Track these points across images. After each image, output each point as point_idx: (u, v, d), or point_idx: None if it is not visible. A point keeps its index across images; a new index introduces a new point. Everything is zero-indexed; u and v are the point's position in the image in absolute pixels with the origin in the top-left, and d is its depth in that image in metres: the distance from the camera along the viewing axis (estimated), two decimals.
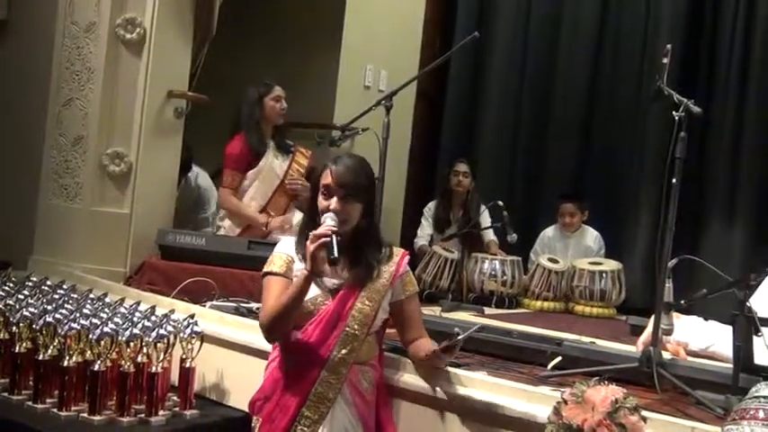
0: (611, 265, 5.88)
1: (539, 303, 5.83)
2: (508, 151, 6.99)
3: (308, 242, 2.65)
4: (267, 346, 3.04)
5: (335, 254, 2.60)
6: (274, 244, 4.42)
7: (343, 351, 2.79)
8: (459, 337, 2.75)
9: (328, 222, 2.68)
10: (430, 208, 6.51)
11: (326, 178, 2.79)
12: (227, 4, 5.15)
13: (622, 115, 6.50)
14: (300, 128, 5.70)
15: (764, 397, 2.32)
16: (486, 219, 6.23)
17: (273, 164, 5.06)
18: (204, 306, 4.02)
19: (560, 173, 6.74)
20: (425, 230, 6.43)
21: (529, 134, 6.93)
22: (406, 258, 2.93)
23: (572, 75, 6.76)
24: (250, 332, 3.54)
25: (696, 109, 3.28)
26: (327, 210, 2.74)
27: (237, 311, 3.99)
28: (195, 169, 5.94)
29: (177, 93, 4.86)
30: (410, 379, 3.10)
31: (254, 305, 4.01)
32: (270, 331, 2.84)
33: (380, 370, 2.99)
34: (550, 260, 5.95)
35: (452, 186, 6.36)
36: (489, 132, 7.04)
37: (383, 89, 6.28)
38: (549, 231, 6.37)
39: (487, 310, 5.46)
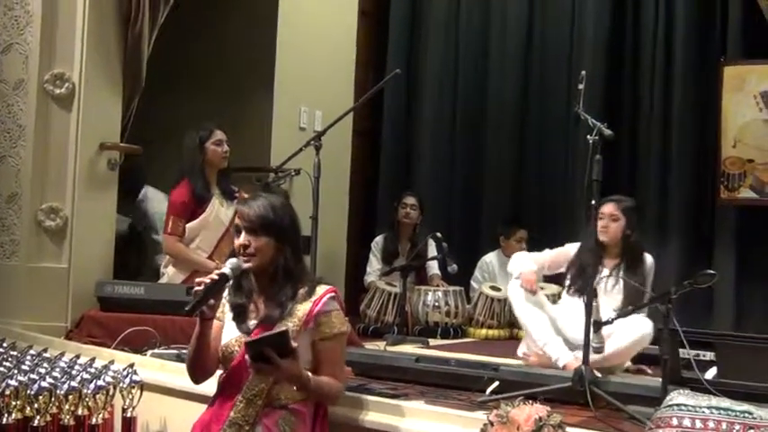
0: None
1: (484, 332, 5.90)
2: (446, 181, 7.10)
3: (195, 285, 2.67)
4: (209, 391, 3.06)
5: (191, 307, 2.62)
6: None
7: (252, 393, 2.70)
8: None
9: (224, 269, 2.69)
10: (377, 242, 6.54)
11: (237, 217, 2.81)
12: (159, 52, 5.20)
13: (554, 145, 6.64)
14: (238, 171, 5.73)
15: (677, 405, 2.40)
16: (432, 251, 6.31)
17: (219, 212, 5.03)
18: (145, 355, 4.02)
19: (498, 200, 6.84)
20: (374, 266, 6.44)
21: (465, 163, 7.05)
22: (327, 297, 2.77)
23: (502, 107, 6.90)
24: None
25: (608, 132, 3.40)
26: (238, 248, 2.75)
27: (179, 358, 3.98)
28: (146, 192, 5.85)
29: (109, 145, 4.87)
30: (343, 411, 3.13)
31: None
32: (189, 375, 2.89)
33: (320, 415, 2.84)
34: (493, 288, 6.02)
35: (400, 219, 6.40)
36: (426, 164, 7.14)
37: (318, 129, 6.34)
38: (489, 258, 6.45)
39: (433, 342, 5.53)
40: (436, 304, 5.89)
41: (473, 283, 6.33)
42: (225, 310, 2.86)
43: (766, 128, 5.69)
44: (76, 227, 4.74)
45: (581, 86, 3.72)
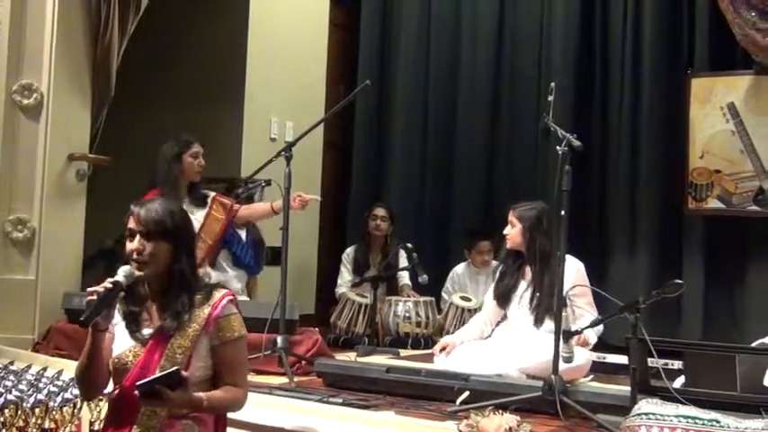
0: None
1: None
2: (416, 192, 7.10)
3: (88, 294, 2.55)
4: None
5: (86, 317, 2.49)
6: None
7: (151, 408, 2.55)
8: None
9: (118, 277, 2.56)
10: (348, 254, 6.53)
11: (129, 220, 2.66)
12: (128, 63, 5.18)
13: (524, 157, 6.66)
14: (208, 182, 5.71)
15: (645, 414, 2.42)
16: (403, 261, 6.32)
17: None
18: None
19: (467, 211, 6.85)
20: (345, 277, 6.43)
21: (435, 175, 7.05)
22: (226, 300, 2.66)
23: (472, 118, 6.91)
24: None
25: (577, 143, 3.42)
26: (130, 253, 2.62)
27: None
28: None
29: (78, 155, 4.86)
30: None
31: None
32: (80, 390, 2.75)
33: (221, 423, 2.74)
34: (463, 298, 6.03)
35: (371, 231, 6.40)
36: (397, 175, 7.14)
37: (289, 140, 6.34)
38: (459, 269, 6.46)
39: (403, 352, 5.53)
40: (407, 315, 5.89)
41: (444, 295, 6.34)
42: (116, 322, 2.69)
43: (733, 139, 5.75)
44: (44, 238, 4.72)
45: (550, 98, 3.75)
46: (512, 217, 4.49)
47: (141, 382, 2.45)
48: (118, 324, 2.67)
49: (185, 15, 6.31)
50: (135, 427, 2.56)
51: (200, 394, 2.53)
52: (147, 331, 2.64)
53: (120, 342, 2.66)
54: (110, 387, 2.72)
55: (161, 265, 2.63)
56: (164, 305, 2.65)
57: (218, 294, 2.67)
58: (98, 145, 5.08)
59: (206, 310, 2.64)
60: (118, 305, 2.66)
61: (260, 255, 5.82)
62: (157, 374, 2.47)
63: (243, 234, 5.76)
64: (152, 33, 5.71)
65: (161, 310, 2.65)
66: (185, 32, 6.31)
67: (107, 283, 2.53)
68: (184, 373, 2.46)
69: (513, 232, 4.46)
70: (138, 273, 2.60)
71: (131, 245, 2.62)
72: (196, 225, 5.00)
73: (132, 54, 5.23)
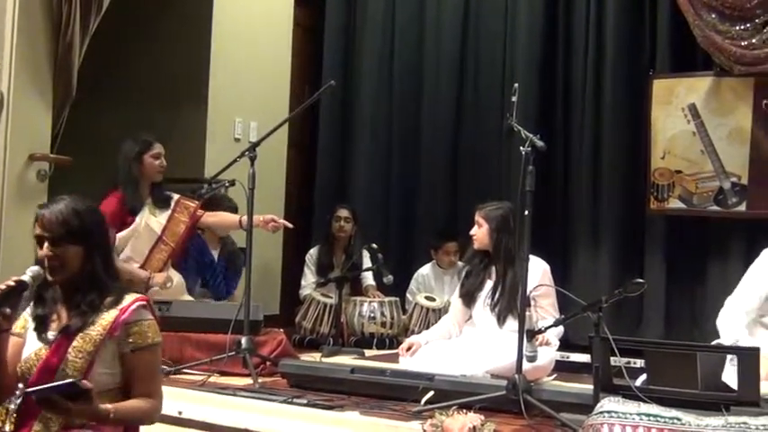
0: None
1: None
2: (380, 193, 7.10)
3: None
4: None
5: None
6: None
7: (47, 416, 2.43)
8: None
9: (24, 276, 2.46)
10: (312, 255, 6.52)
11: (35, 227, 2.54)
12: (90, 62, 5.14)
13: (488, 157, 6.68)
14: (171, 183, 5.68)
15: (608, 412, 2.45)
16: (366, 262, 6.33)
17: (150, 220, 4.98)
18: None
19: (432, 211, 6.86)
20: (309, 279, 6.42)
21: (400, 175, 7.05)
22: (137, 305, 2.52)
23: (437, 118, 6.92)
24: None
25: (540, 143, 3.45)
26: (41, 260, 2.50)
27: None
28: None
29: (39, 155, 4.80)
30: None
31: None
32: None
33: None
34: (428, 298, 6.05)
35: (334, 232, 6.40)
36: (361, 175, 7.14)
37: (253, 140, 6.32)
38: (424, 270, 6.47)
39: (368, 353, 5.54)
40: (372, 315, 5.90)
41: (408, 296, 6.35)
42: (28, 326, 2.58)
43: (694, 140, 5.80)
44: (4, 239, 4.65)
45: (514, 99, 3.78)
46: (478, 217, 4.51)
47: (35, 389, 2.34)
48: (30, 328, 2.56)
49: (148, 14, 6.27)
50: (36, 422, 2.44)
51: (107, 406, 2.37)
52: (52, 333, 2.52)
53: (30, 346, 2.54)
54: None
55: (74, 268, 2.51)
56: (72, 306, 2.52)
57: (129, 298, 2.54)
58: (59, 145, 5.02)
59: (113, 313, 2.50)
60: (28, 311, 2.56)
61: (231, 277, 5.78)
62: (52, 384, 2.33)
63: (215, 254, 5.76)
64: (115, 32, 5.66)
65: (69, 312, 2.53)
66: (148, 31, 6.27)
67: (10, 281, 2.44)
68: (87, 384, 2.30)
69: (481, 233, 4.49)
70: (49, 278, 2.49)
71: (41, 252, 2.50)
72: (158, 227, 4.98)
73: (94, 53, 5.18)
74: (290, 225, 5.09)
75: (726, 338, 3.76)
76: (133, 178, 4.92)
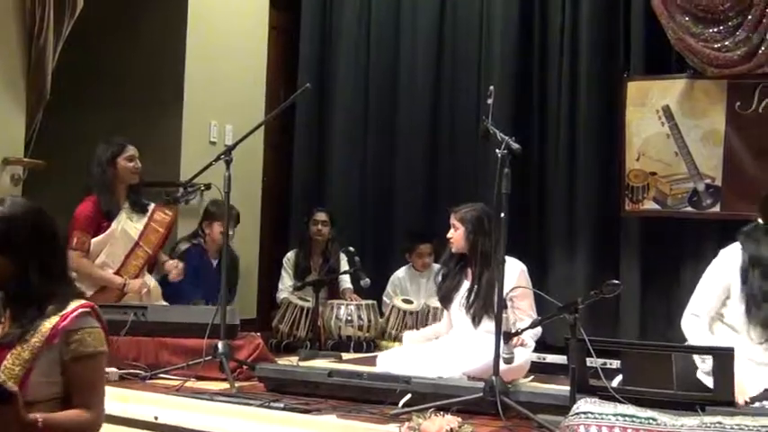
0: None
1: (396, 344, 5.90)
2: (357, 196, 7.10)
3: None
4: (122, 411, 2.98)
5: None
6: (122, 306, 4.38)
7: None
8: None
9: None
10: (289, 258, 6.51)
11: None
12: (65, 66, 5.10)
13: (464, 159, 6.69)
14: (147, 186, 5.65)
15: (584, 413, 2.46)
16: (344, 265, 6.32)
17: (127, 225, 4.96)
18: None
19: (409, 213, 6.86)
20: (286, 282, 6.39)
21: (376, 177, 7.05)
22: (79, 312, 2.39)
23: (413, 121, 6.93)
24: None
25: (516, 146, 3.46)
26: None
27: None
28: None
29: (12, 159, 4.77)
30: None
31: None
32: None
33: None
34: (405, 301, 6.06)
35: (312, 235, 6.39)
36: (338, 178, 7.14)
37: (229, 144, 6.28)
38: (400, 273, 6.47)
39: (345, 356, 5.54)
40: (349, 318, 5.90)
41: (385, 299, 6.34)
42: None
43: (668, 141, 5.84)
44: None
45: (489, 101, 3.78)
46: (453, 220, 4.52)
47: None
48: None
49: (123, 17, 6.23)
50: None
51: (36, 415, 2.23)
52: None
53: None
54: None
55: (5, 279, 2.39)
56: (14, 316, 2.42)
57: (73, 304, 2.41)
58: (33, 149, 4.99)
59: (54, 320, 2.37)
60: None
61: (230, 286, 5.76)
62: None
63: (215, 263, 5.78)
64: (89, 35, 5.63)
65: (13, 319, 2.43)
66: (123, 35, 6.23)
67: None
68: (12, 387, 2.20)
69: (457, 235, 4.50)
70: None
71: None
72: (135, 233, 4.95)
73: (69, 57, 5.15)
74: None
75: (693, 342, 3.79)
76: (108, 182, 4.90)
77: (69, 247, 4.85)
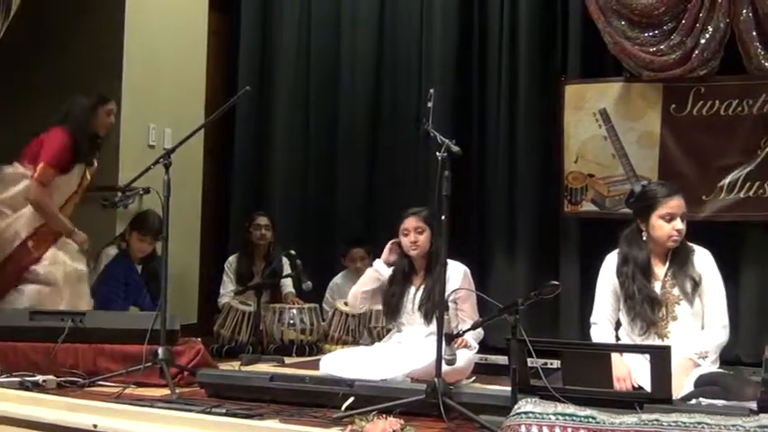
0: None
1: (339, 348, 5.90)
2: (298, 200, 7.08)
3: None
4: (52, 419, 2.94)
5: None
6: (59, 313, 4.32)
7: None
8: None
9: None
10: (231, 263, 6.44)
11: None
12: (1, 66, 5.01)
13: (405, 162, 6.70)
14: (85, 191, 5.56)
15: (525, 413, 2.48)
16: (286, 269, 6.30)
17: (74, 173, 5.04)
18: None
19: (350, 218, 6.87)
20: (228, 287, 6.33)
21: (317, 181, 7.05)
22: None
23: (354, 124, 6.93)
24: (37, 407, 3.43)
25: (456, 148, 3.48)
26: None
27: (22, 386, 3.85)
28: None
29: None
30: None
31: (39, 378, 3.92)
32: None
33: None
34: (347, 304, 6.04)
35: (255, 240, 6.34)
36: (278, 182, 7.11)
37: (168, 147, 6.21)
38: (338, 279, 6.47)
39: (288, 360, 5.52)
40: (291, 322, 5.87)
41: (325, 306, 6.32)
42: None
43: (605, 144, 5.93)
44: None
45: (430, 104, 3.80)
46: (417, 223, 4.54)
47: None
48: None
49: (60, 19, 6.13)
50: None
51: None
52: None
53: None
54: None
55: None
56: None
57: None
58: None
59: None
60: None
61: (155, 290, 5.67)
62: None
63: (139, 269, 5.73)
64: (25, 37, 5.53)
65: None
66: (60, 36, 6.13)
67: None
68: None
69: (424, 237, 4.53)
70: None
71: None
72: (75, 183, 5.07)
73: (4, 57, 5.06)
74: None
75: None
76: (83, 125, 5.02)
77: (37, 179, 4.86)
